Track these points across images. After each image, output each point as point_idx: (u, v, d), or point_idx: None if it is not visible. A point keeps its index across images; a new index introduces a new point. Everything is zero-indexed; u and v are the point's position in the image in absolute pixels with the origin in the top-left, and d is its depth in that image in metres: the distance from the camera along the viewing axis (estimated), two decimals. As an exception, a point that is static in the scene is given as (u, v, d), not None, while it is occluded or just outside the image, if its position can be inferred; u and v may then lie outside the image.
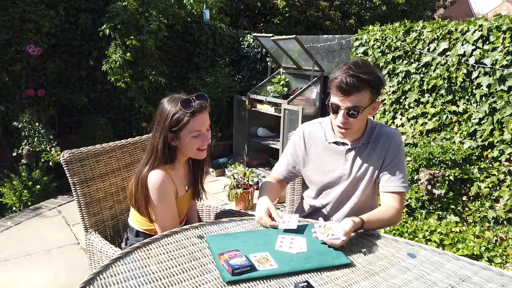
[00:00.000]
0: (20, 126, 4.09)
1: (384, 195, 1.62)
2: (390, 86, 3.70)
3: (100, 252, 1.63)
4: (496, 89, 2.89)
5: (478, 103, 3.03)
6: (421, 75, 3.43)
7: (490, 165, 3.02)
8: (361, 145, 1.64)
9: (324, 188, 1.72)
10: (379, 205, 1.69)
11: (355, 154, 1.64)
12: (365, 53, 3.92)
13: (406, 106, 3.59)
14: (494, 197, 2.99)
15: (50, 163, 3.95)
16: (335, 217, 1.70)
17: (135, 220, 1.72)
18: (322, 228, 1.34)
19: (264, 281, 1.12)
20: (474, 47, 3.00)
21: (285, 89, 4.65)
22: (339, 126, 1.54)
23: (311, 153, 1.73)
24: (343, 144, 1.66)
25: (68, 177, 1.70)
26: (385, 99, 3.76)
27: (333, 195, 1.70)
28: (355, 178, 1.64)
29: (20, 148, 4.14)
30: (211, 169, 4.93)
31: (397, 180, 1.60)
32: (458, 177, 3.07)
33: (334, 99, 1.51)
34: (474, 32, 2.99)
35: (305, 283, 1.10)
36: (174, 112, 1.51)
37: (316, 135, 1.72)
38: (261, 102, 4.79)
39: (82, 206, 1.74)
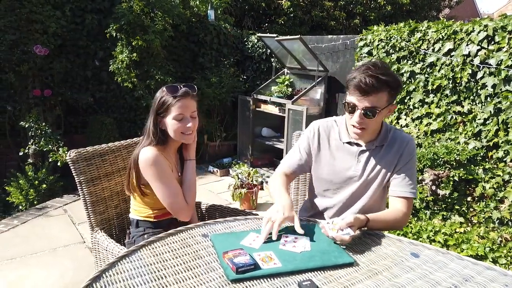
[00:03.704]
0: (26, 126, 4.13)
1: (393, 199, 1.61)
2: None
3: (106, 250, 1.65)
4: (501, 89, 2.88)
5: (483, 104, 3.02)
6: (426, 75, 3.42)
7: (495, 166, 3.01)
8: (375, 148, 1.62)
9: (333, 188, 1.70)
10: (387, 207, 1.69)
11: (368, 156, 1.63)
12: (369, 53, 3.91)
13: (411, 107, 3.58)
14: (499, 198, 2.98)
15: (58, 163, 3.98)
16: (341, 217, 1.70)
17: (134, 210, 1.76)
18: (330, 225, 1.34)
19: (268, 279, 1.13)
20: (479, 47, 2.99)
21: (290, 89, 4.66)
22: (354, 126, 1.53)
23: (324, 150, 1.71)
24: (357, 145, 1.64)
25: (75, 176, 1.73)
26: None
27: (343, 196, 1.68)
28: (367, 180, 1.63)
29: (27, 148, 4.18)
30: (215, 169, 4.95)
31: (407, 185, 1.59)
32: (463, 177, 3.07)
33: (351, 98, 1.49)
34: (479, 32, 2.98)
35: (309, 282, 1.11)
36: (161, 96, 1.64)
37: (330, 132, 1.71)
38: (265, 102, 4.80)
39: (88, 205, 1.76)
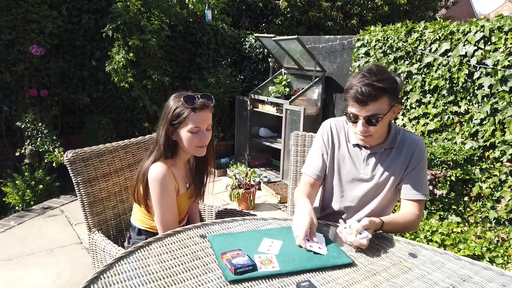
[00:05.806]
0: (23, 126, 4.11)
1: (404, 201, 1.60)
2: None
3: (103, 251, 1.64)
4: (497, 89, 2.89)
5: (479, 104, 3.03)
6: (423, 75, 3.43)
7: (492, 166, 3.02)
8: (384, 151, 1.60)
9: (341, 190, 1.68)
10: (394, 211, 1.67)
11: (377, 159, 1.61)
12: (366, 53, 3.92)
13: (408, 107, 3.59)
14: (496, 198, 3.00)
15: (54, 164, 3.96)
16: (349, 222, 1.68)
17: (137, 219, 1.74)
18: (348, 229, 1.32)
19: (267, 280, 1.13)
20: (475, 47, 3.00)
21: (287, 89, 4.66)
22: (359, 134, 1.51)
23: (335, 151, 1.69)
24: (366, 148, 1.62)
25: (72, 177, 1.72)
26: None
27: (353, 198, 1.66)
28: (377, 183, 1.61)
29: (23, 148, 4.16)
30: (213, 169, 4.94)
31: (419, 188, 1.57)
32: (460, 177, 3.08)
33: (352, 109, 1.47)
34: (476, 32, 2.99)
35: (307, 282, 1.11)
36: (176, 106, 1.55)
37: (341, 132, 1.69)
38: (262, 102, 4.80)
39: (86, 206, 1.75)
